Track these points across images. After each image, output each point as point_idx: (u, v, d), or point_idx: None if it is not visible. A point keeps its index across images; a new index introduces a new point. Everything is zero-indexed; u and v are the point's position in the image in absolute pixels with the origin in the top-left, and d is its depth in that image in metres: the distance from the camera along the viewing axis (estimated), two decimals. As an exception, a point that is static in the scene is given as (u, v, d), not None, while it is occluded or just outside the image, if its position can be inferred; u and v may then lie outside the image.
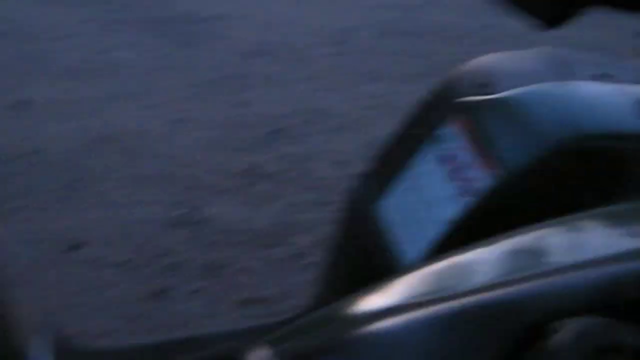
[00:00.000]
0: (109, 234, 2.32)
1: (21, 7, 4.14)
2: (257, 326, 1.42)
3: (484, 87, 1.16)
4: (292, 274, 2.18)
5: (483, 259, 0.73)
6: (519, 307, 0.62)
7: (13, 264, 2.05)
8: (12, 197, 2.45)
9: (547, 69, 1.18)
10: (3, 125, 2.93)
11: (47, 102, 3.12)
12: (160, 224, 2.36)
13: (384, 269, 1.18)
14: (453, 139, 1.14)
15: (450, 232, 1.09)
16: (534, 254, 0.73)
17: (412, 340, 0.60)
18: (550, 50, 1.22)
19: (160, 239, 2.31)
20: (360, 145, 2.71)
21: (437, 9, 4.24)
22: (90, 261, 2.20)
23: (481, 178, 1.07)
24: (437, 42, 3.83)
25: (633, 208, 0.83)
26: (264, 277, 2.17)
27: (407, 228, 1.17)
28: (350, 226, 1.36)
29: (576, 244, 0.74)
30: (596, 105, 1.12)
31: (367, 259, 1.25)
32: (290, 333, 0.71)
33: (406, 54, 3.71)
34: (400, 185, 1.23)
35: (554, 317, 0.58)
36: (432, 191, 1.15)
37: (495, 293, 0.64)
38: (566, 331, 0.55)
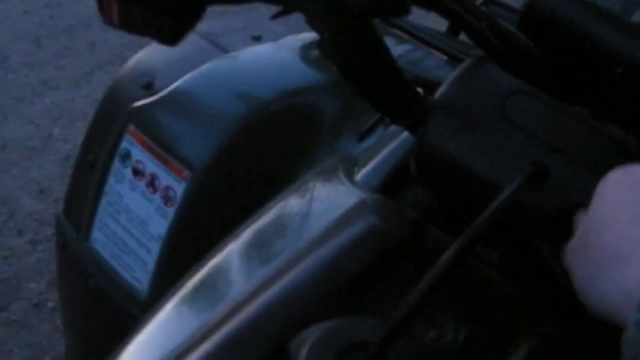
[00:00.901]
0: None
1: None
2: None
3: (148, 87, 1.09)
4: (39, 326, 2.01)
5: (221, 275, 0.69)
6: (259, 329, 0.58)
7: None
8: None
9: (204, 48, 1.14)
10: None
11: None
12: None
13: (122, 307, 1.10)
14: (137, 150, 1.07)
15: (167, 247, 1.02)
16: (266, 248, 0.70)
17: None
18: (201, 26, 1.18)
19: None
20: (59, 164, 2.55)
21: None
22: None
23: (175, 184, 1.00)
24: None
25: (336, 163, 0.82)
26: (10, 340, 1.99)
27: (127, 255, 1.09)
28: (70, 269, 1.25)
29: (300, 222, 0.71)
30: (267, 69, 1.09)
31: (100, 300, 1.15)
32: None
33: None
34: (105, 211, 1.14)
35: (294, 329, 0.55)
36: (138, 209, 1.07)
37: (234, 320, 0.59)
38: (303, 346, 0.51)
